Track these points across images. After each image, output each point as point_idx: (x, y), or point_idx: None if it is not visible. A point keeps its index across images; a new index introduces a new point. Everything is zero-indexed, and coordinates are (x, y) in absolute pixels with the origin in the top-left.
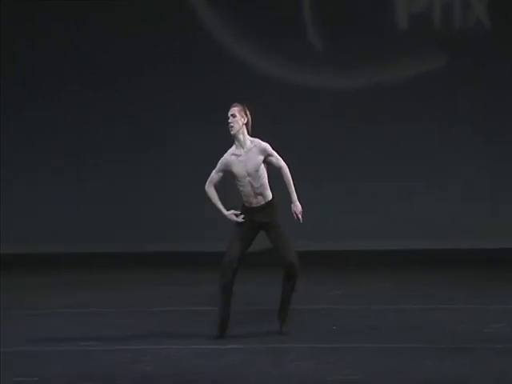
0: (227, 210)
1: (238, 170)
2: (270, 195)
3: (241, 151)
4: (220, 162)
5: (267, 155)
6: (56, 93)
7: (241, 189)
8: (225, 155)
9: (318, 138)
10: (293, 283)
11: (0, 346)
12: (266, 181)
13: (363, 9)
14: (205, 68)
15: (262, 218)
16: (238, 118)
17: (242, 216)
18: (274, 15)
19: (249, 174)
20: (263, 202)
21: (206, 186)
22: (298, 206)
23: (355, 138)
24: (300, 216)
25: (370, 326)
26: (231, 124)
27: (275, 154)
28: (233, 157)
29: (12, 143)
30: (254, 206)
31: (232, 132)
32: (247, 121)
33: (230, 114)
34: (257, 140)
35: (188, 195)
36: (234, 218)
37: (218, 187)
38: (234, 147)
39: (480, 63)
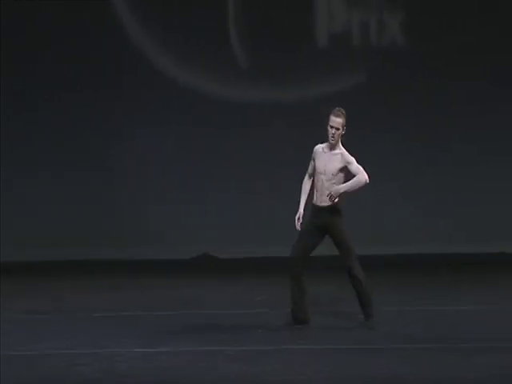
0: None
1: (319, 164)
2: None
3: (329, 150)
4: (313, 151)
5: (347, 163)
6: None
7: (316, 183)
8: (317, 146)
9: (239, 151)
10: (359, 287)
11: None
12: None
13: (285, 26)
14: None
15: (325, 219)
16: (340, 132)
17: (300, 223)
18: (198, 26)
19: (325, 174)
20: (326, 204)
21: (305, 179)
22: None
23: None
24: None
25: (299, 328)
26: (333, 137)
27: (355, 164)
28: (320, 149)
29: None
30: (318, 204)
31: (332, 142)
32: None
33: (333, 125)
34: (344, 151)
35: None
36: (296, 223)
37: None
38: (326, 144)
39: (395, 79)
